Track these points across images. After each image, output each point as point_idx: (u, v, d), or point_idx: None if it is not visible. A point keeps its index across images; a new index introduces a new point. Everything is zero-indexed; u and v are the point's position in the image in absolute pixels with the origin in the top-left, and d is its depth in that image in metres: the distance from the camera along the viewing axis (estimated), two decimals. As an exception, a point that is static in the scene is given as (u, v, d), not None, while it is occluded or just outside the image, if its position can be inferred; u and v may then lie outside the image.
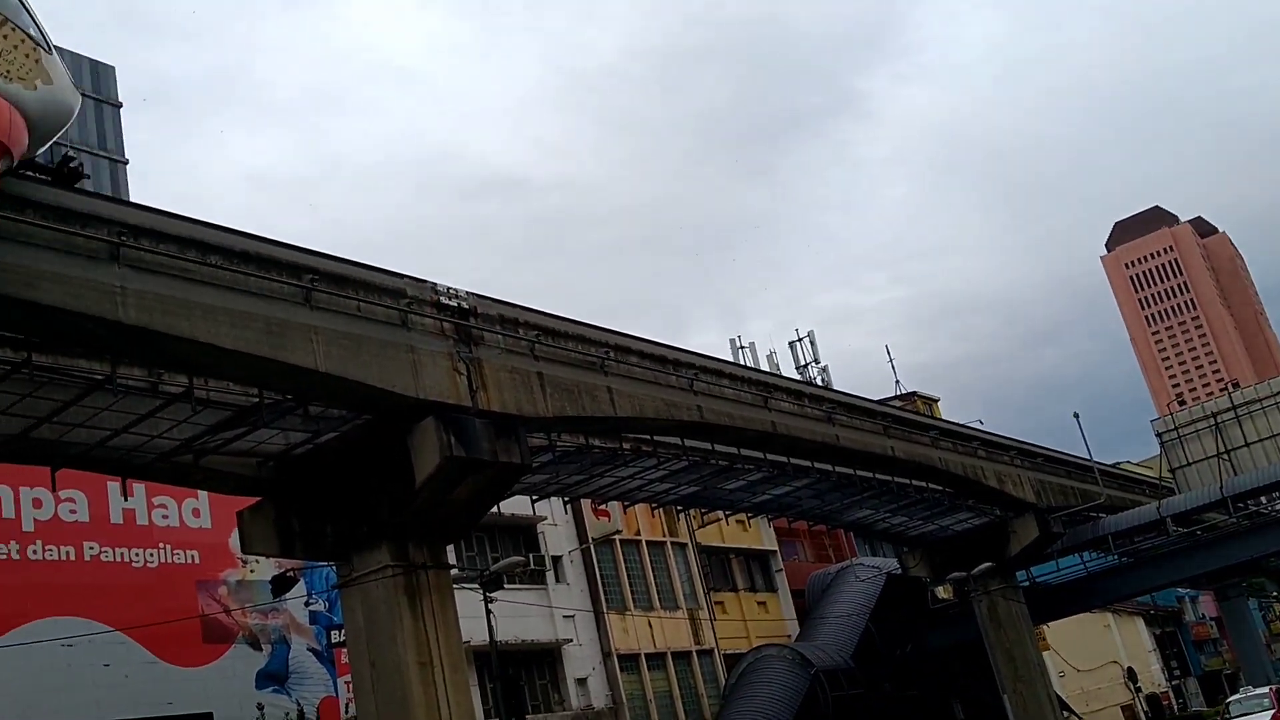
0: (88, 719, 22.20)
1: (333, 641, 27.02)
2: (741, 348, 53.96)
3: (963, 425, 36.12)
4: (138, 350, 14.87)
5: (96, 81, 56.64)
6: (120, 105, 58.35)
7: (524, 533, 34.07)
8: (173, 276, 14.57)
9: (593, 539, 36.06)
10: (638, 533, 38.46)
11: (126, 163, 56.99)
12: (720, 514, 35.55)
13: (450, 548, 20.67)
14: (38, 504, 23.18)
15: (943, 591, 44.20)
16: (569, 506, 33.21)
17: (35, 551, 23.01)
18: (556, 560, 34.85)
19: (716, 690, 38.14)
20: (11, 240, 13.06)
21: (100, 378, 15.02)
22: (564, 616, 33.99)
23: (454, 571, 20.46)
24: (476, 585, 23.00)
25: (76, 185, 14.08)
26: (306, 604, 27.00)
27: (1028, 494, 35.70)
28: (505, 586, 24.29)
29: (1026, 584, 40.21)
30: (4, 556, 22.51)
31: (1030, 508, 35.81)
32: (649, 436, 23.64)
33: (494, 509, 21.29)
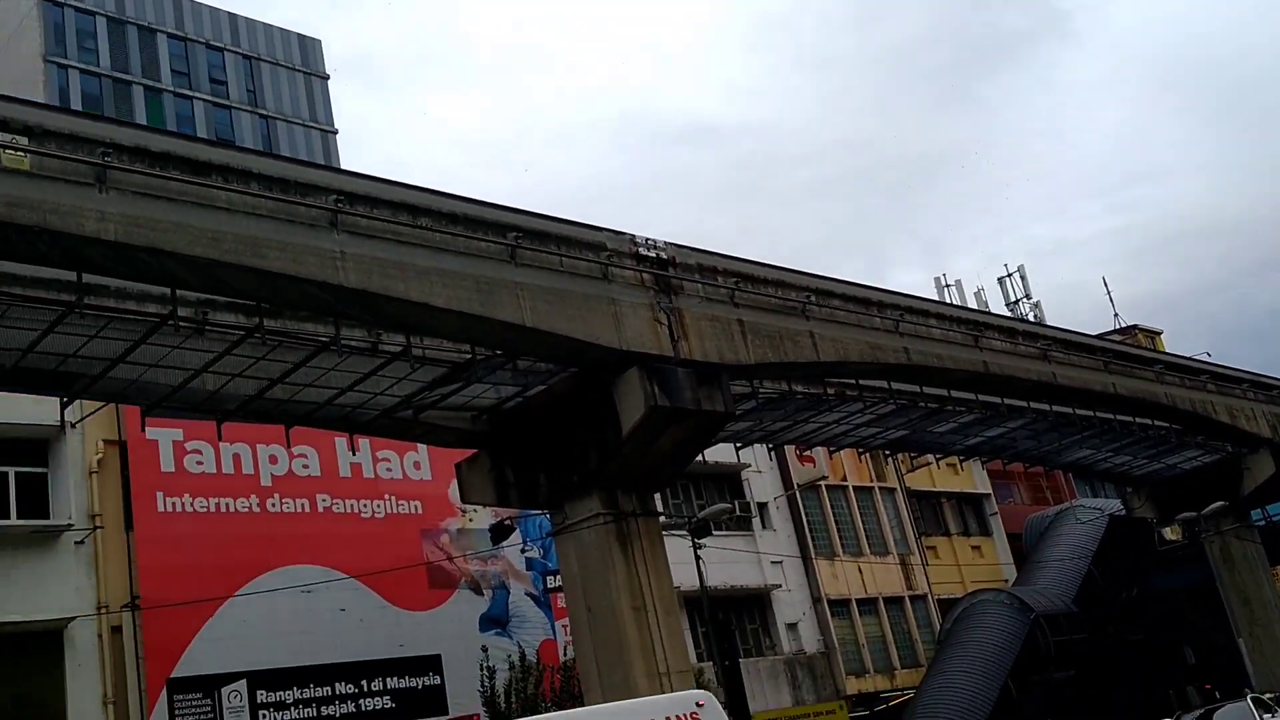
0: (328, 659, 23.66)
1: (548, 587, 27.89)
2: (947, 286, 52.49)
3: (1189, 358, 34.14)
4: (357, 312, 15.53)
5: (304, 55, 59.36)
6: (327, 77, 61.02)
7: (729, 480, 34.22)
8: (387, 240, 15.15)
9: (798, 485, 35.93)
10: (844, 478, 38.08)
11: (336, 132, 59.65)
12: (930, 458, 34.81)
13: (657, 495, 20.96)
14: (274, 460, 24.67)
15: (1170, 532, 42.11)
16: (773, 453, 33.12)
17: (274, 504, 24.53)
18: (762, 507, 34.89)
19: (931, 635, 37.57)
20: (240, 212, 13.84)
21: (325, 339, 15.75)
22: (772, 562, 34.05)
23: (662, 519, 20.77)
24: (685, 532, 23.26)
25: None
26: (523, 551, 27.93)
27: (1263, 429, 33.52)
28: (713, 533, 24.47)
29: (1262, 523, 37.90)
30: (246, 510, 24.09)
31: (1265, 443, 33.65)
32: (854, 380, 23.26)
33: (699, 457, 21.40)
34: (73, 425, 21.15)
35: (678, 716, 11.10)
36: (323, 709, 23.34)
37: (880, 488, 39.51)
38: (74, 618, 21.06)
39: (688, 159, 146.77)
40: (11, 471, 21.54)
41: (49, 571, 21.22)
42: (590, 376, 18.20)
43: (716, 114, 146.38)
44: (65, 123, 13.21)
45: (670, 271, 18.89)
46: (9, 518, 21.01)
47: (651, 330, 18.13)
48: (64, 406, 17.24)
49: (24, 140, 12.33)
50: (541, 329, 16.70)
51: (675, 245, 19.42)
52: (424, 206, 15.90)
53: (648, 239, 18.94)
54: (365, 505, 25.85)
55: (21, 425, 21.11)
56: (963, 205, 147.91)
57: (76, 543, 21.59)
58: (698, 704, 11.35)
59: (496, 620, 26.92)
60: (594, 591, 18.59)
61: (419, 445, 25.41)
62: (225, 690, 22.26)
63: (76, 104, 48.39)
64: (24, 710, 20.68)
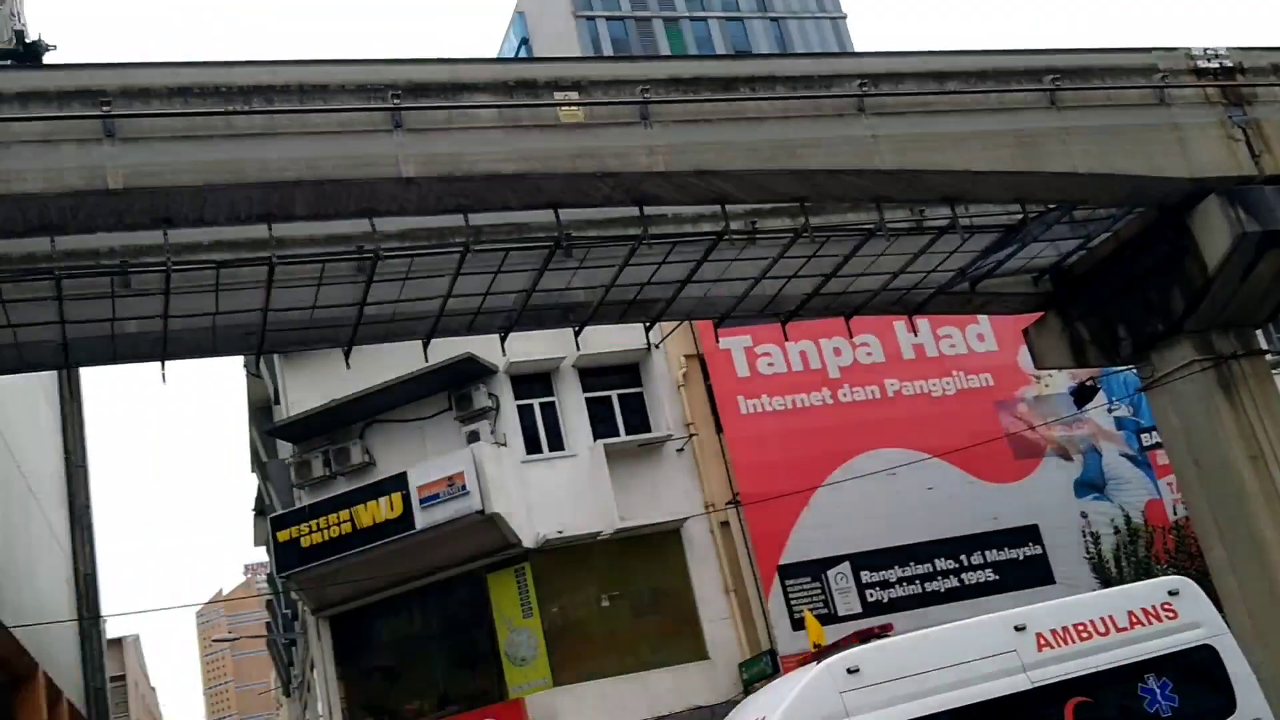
0: (923, 537, 24.02)
1: (1144, 445, 26.19)
2: None
3: None
4: (897, 192, 15.34)
5: (803, -51, 59.51)
6: (826, -34, 60.78)
7: (1345, 302, 29.81)
8: (916, 114, 14.82)
9: None
10: None
11: (844, 17, 59.42)
12: None
13: (1259, 332, 18.85)
14: (838, 352, 25.30)
15: None
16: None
17: (845, 394, 25.20)
18: (1394, 327, 30.07)
19: None
20: (770, 118, 14.20)
21: (870, 226, 15.77)
22: None
23: (1269, 357, 18.68)
24: (1301, 368, 20.66)
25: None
26: (1110, 410, 26.39)
27: None
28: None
29: None
30: (819, 403, 24.97)
31: None
32: None
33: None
34: (656, 346, 23.11)
35: (1144, 610, 9.82)
36: (926, 585, 23.80)
37: None
38: (686, 518, 23.20)
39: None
40: (614, 394, 24.12)
41: (659, 478, 23.52)
42: (1161, 214, 16.66)
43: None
44: (606, 70, 14.29)
45: (1239, 80, 16.68)
46: (619, 435, 23.54)
47: (1225, 150, 16.19)
48: (647, 330, 18.88)
49: (574, 95, 13.47)
50: (1095, 172, 15.52)
51: (1240, 49, 17.10)
52: (949, 70, 15.30)
53: (1206, 49, 16.84)
54: (934, 384, 25.77)
55: (615, 352, 23.52)
56: None
57: (677, 450, 23.70)
58: (1170, 592, 9.99)
59: (1092, 484, 25.77)
60: (1200, 444, 17.17)
61: (979, 317, 24.82)
62: (831, 573, 23.41)
63: (607, 50, 52.46)
64: (660, 600, 23.30)
